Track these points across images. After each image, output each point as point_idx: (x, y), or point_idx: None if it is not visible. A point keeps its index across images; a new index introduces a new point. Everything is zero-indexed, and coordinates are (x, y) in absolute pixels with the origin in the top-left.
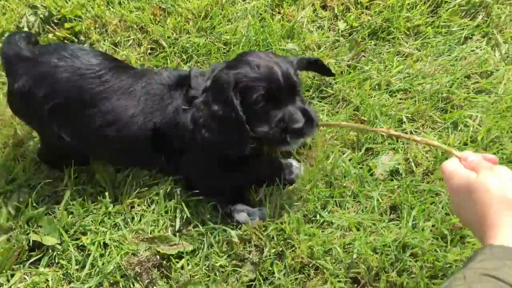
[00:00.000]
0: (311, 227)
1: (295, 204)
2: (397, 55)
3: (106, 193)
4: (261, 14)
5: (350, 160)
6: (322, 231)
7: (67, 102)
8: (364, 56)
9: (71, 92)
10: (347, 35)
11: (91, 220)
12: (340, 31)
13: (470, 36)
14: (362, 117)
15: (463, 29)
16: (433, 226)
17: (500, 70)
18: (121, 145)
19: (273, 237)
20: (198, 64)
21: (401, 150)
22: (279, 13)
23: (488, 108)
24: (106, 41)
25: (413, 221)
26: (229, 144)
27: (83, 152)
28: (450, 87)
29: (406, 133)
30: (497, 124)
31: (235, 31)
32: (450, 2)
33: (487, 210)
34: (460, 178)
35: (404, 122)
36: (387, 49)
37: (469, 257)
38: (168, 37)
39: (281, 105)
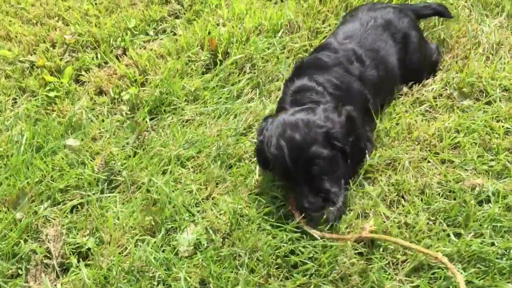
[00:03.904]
0: None
1: None
2: (182, 124)
3: None
4: (33, 116)
5: (151, 247)
6: None
7: None
8: (147, 131)
9: None
10: (132, 116)
11: None
12: (125, 113)
13: (241, 90)
14: (155, 196)
15: (234, 84)
16: None
17: None
18: None
19: None
20: None
21: (200, 220)
22: (53, 111)
23: None
24: None
25: None
26: None
27: None
28: (236, 143)
29: None
30: None
31: (8, 141)
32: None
33: None
34: None
35: (195, 193)
36: (170, 120)
37: None
38: None
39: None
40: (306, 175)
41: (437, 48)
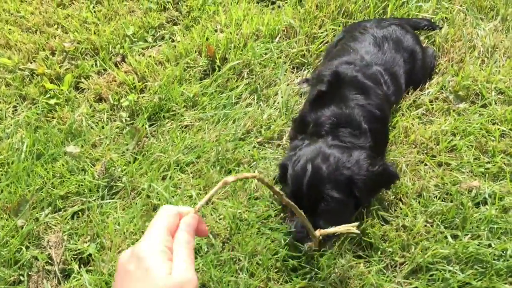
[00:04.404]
0: None
1: None
2: (181, 130)
3: None
4: (34, 123)
5: None
6: None
7: None
8: (147, 137)
9: None
10: (132, 122)
11: None
12: (125, 120)
13: (239, 95)
14: (155, 202)
15: (233, 89)
16: None
17: (277, 121)
18: None
19: None
20: None
21: None
22: (53, 118)
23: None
24: None
25: None
26: None
27: None
28: (235, 148)
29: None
30: None
31: (9, 148)
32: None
33: None
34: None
35: (195, 197)
36: (169, 126)
37: None
38: None
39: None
40: (312, 206)
41: (433, 53)
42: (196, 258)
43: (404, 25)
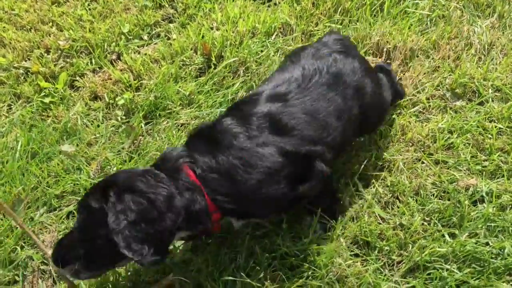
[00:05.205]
0: None
1: None
2: (177, 128)
3: None
4: (28, 122)
5: None
6: None
7: None
8: (143, 136)
9: None
10: (127, 121)
11: None
12: (120, 118)
13: (235, 93)
14: None
15: (228, 87)
16: None
17: None
18: None
19: None
20: None
21: None
22: (48, 116)
23: None
24: None
25: None
26: None
27: None
28: None
29: None
30: None
31: (3, 148)
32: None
33: None
34: None
35: None
36: (165, 125)
37: None
38: None
39: None
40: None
41: (390, 74)
42: (192, 259)
43: (350, 50)
